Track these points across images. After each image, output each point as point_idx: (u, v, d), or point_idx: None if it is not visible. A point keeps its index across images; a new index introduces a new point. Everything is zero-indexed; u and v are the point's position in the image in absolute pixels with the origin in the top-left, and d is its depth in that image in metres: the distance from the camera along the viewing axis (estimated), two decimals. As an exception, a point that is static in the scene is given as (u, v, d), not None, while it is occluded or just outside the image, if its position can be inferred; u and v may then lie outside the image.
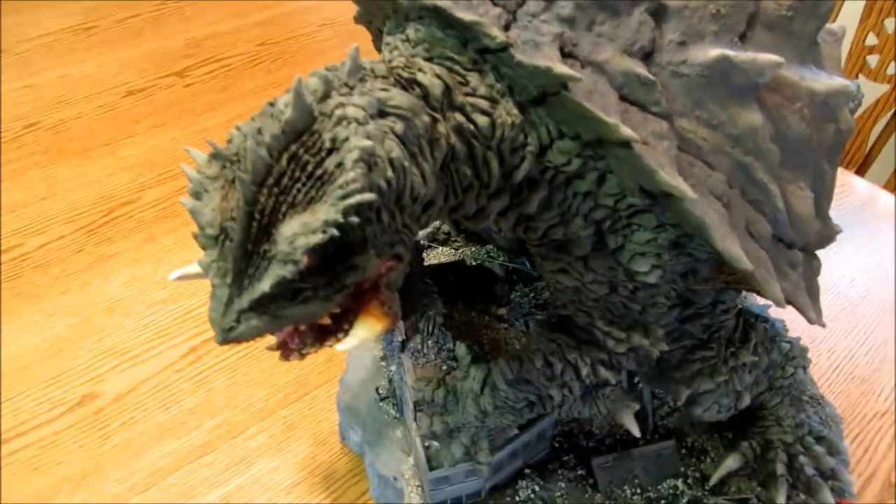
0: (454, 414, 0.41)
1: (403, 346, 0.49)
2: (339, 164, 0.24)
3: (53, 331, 0.65)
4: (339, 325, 0.27)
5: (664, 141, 0.29)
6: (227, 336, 0.25)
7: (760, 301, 0.55)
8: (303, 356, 0.28)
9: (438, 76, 0.29)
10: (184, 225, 0.76)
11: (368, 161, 0.25)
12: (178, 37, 1.02)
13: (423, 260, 0.54)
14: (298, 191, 0.24)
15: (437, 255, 0.64)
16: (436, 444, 0.45)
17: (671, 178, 0.29)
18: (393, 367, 0.55)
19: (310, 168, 0.24)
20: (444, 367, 0.48)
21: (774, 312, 0.50)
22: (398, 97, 0.27)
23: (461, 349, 0.42)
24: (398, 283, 0.29)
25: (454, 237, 0.65)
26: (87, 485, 0.55)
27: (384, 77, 0.28)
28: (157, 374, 0.62)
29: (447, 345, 0.49)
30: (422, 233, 0.63)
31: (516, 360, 0.39)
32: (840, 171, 0.84)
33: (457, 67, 0.29)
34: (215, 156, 0.25)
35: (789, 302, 0.35)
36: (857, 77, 0.96)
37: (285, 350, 0.28)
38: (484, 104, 0.29)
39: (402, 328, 0.48)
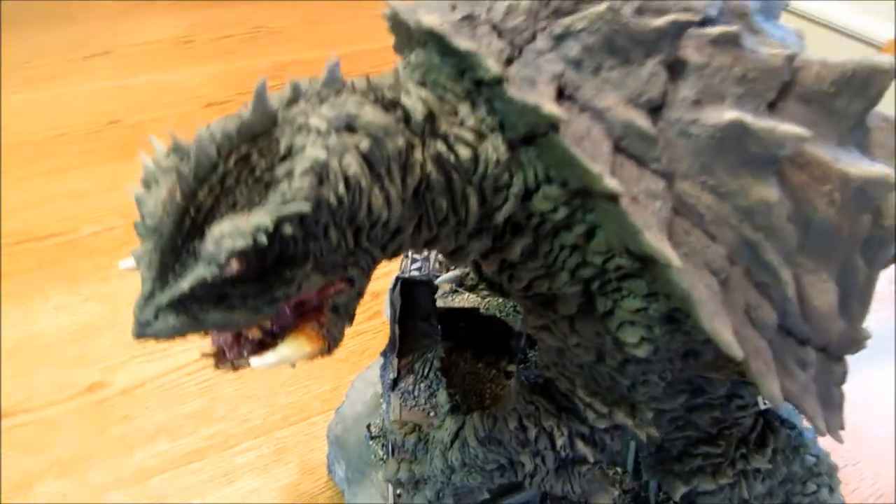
0: (422, 464, 0.39)
1: (394, 384, 0.47)
2: (289, 173, 0.23)
3: (83, 315, 0.67)
4: (275, 342, 0.26)
5: (657, 201, 0.27)
6: (143, 331, 0.24)
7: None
8: (236, 368, 0.27)
9: (424, 101, 0.28)
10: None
11: (319, 173, 0.23)
12: (267, 59, 1.07)
13: (434, 300, 0.52)
14: (241, 193, 0.23)
15: (461, 301, 0.62)
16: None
17: (656, 241, 0.26)
18: (384, 406, 0.53)
19: (258, 172, 0.24)
20: (432, 414, 0.46)
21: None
22: (370, 115, 0.26)
23: (442, 396, 0.40)
24: (348, 308, 0.27)
25: (482, 286, 0.63)
26: (74, 471, 0.55)
27: (363, 93, 0.27)
28: (167, 373, 0.63)
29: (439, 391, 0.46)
30: (450, 275, 0.62)
31: (490, 418, 0.36)
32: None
33: (448, 96, 0.28)
34: (176, 149, 0.25)
35: (793, 404, 0.31)
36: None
37: (221, 359, 0.27)
38: (469, 137, 0.28)
39: (394, 365, 0.47)
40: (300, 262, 0.24)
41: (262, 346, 0.27)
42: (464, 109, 0.28)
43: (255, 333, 0.26)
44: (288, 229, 0.23)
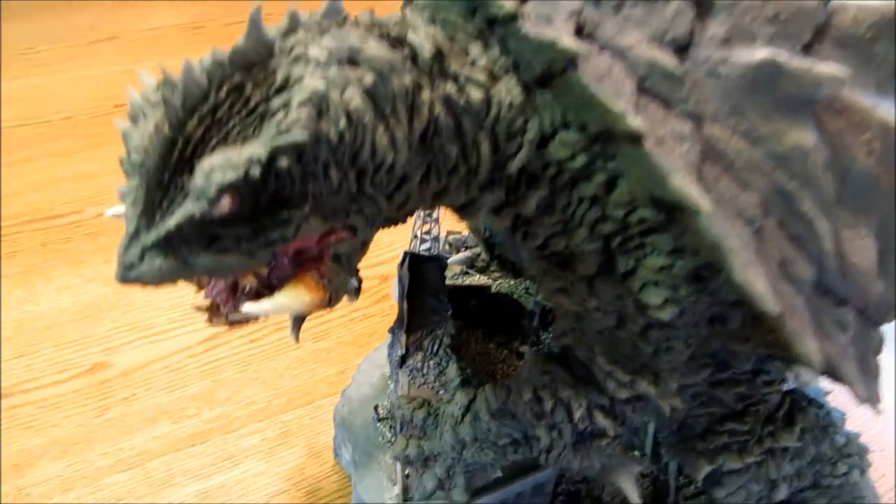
0: (432, 440, 0.37)
1: (403, 361, 0.45)
2: (286, 104, 0.22)
3: (86, 296, 0.66)
4: (273, 294, 0.24)
5: (684, 143, 0.25)
6: (127, 274, 0.22)
7: (825, 385, 0.47)
8: (231, 324, 0.25)
9: (432, 38, 0.26)
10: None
11: (319, 105, 0.22)
12: (275, 45, 1.05)
13: (443, 277, 0.50)
14: (234, 126, 0.22)
15: (472, 283, 0.60)
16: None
17: (684, 185, 0.24)
18: (392, 385, 0.51)
19: (252, 104, 0.22)
20: (441, 393, 0.44)
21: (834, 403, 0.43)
22: (374, 49, 0.24)
23: (452, 370, 0.38)
24: (350, 259, 0.26)
25: (493, 267, 0.61)
26: (74, 452, 0.54)
27: (367, 28, 0.25)
28: (170, 354, 0.62)
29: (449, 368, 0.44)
30: (460, 256, 0.60)
31: (504, 390, 0.34)
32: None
33: (459, 35, 0.26)
34: (166, 82, 0.23)
35: (830, 370, 0.29)
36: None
37: (215, 313, 0.25)
38: (481, 77, 0.26)
39: (402, 342, 0.45)
40: (298, 203, 0.22)
41: (258, 298, 0.25)
42: (475, 49, 0.26)
43: (251, 282, 0.24)
44: (283, 162, 0.21)
